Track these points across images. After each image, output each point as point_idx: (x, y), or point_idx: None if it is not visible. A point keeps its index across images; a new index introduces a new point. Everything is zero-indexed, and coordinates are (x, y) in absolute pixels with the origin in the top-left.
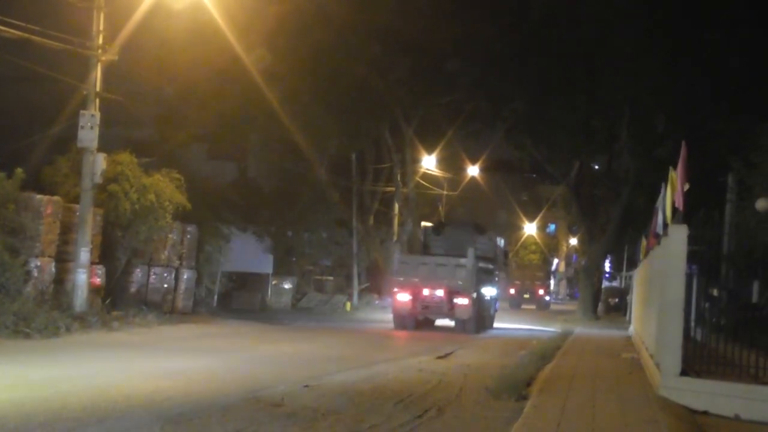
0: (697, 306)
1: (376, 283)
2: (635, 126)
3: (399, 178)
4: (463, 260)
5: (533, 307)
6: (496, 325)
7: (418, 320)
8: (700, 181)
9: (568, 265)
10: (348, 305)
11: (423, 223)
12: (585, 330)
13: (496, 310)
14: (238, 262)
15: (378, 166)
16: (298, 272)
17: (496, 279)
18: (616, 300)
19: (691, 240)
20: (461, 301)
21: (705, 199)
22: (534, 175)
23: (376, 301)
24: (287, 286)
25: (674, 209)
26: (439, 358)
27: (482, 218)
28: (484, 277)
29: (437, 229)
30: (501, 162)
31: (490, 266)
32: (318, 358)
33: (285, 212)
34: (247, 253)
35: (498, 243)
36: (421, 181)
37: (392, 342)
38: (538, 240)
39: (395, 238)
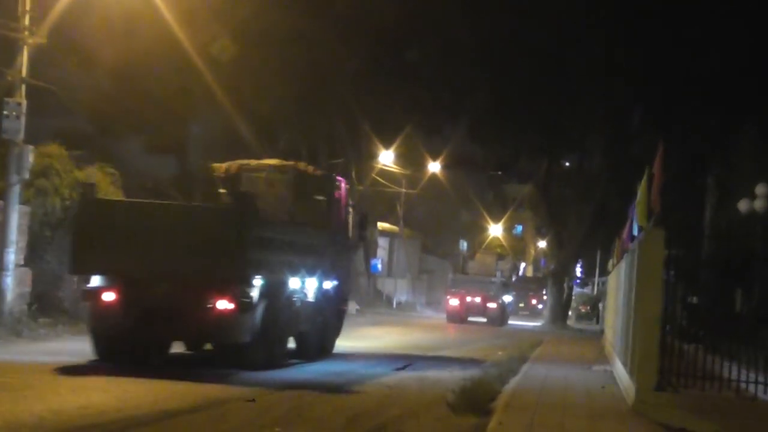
0: (675, 315)
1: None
2: (609, 122)
3: (354, 175)
4: (493, 278)
5: (527, 313)
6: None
7: (462, 317)
8: (678, 182)
9: (536, 269)
10: None
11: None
12: (554, 340)
13: (510, 311)
14: None
15: (332, 161)
16: None
17: (512, 290)
18: (588, 308)
19: (669, 244)
20: (492, 305)
21: (683, 201)
22: (499, 173)
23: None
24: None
25: (650, 211)
26: (397, 369)
27: (443, 218)
28: (505, 289)
29: (472, 255)
30: (464, 159)
31: (507, 281)
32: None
33: None
34: None
35: (511, 265)
36: (378, 179)
37: (347, 353)
38: (504, 242)
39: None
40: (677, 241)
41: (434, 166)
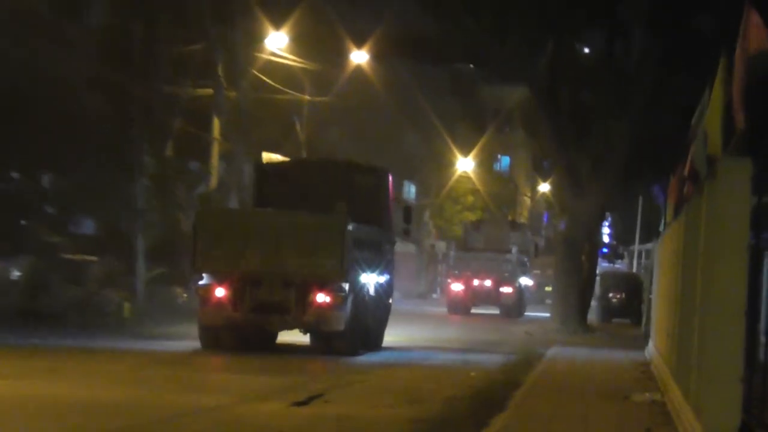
0: None
1: (177, 266)
2: None
3: (221, 72)
4: (508, 255)
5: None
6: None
7: (467, 306)
8: None
9: (535, 232)
10: (127, 308)
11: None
12: (566, 351)
13: (529, 297)
14: None
15: (182, 48)
16: (33, 248)
17: (531, 271)
18: (622, 295)
19: (759, 185)
20: (506, 290)
21: None
22: (471, 67)
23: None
24: (13, 273)
25: (728, 128)
26: (298, 404)
27: (376, 146)
28: (522, 269)
29: (476, 225)
30: (412, 43)
31: (525, 259)
32: (79, 407)
33: (7, 137)
34: None
35: (529, 237)
36: (263, 78)
37: (214, 375)
38: (479, 185)
39: (213, 181)
40: None
41: (359, 57)
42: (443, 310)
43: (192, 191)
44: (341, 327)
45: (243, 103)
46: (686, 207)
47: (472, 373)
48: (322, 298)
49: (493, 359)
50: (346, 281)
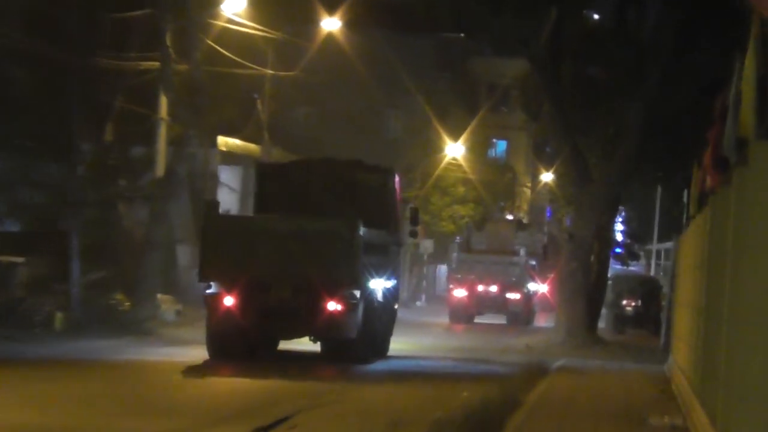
0: None
1: (119, 269)
2: None
3: (169, 42)
4: (515, 258)
5: None
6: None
7: (471, 314)
8: None
9: (538, 230)
10: (59, 317)
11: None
12: (573, 365)
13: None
14: None
15: (124, 15)
16: None
17: (539, 275)
18: (638, 302)
19: None
20: (514, 296)
21: None
22: (461, 36)
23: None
24: None
25: (763, 107)
26: (260, 430)
27: (352, 128)
28: (530, 273)
29: (479, 224)
30: (392, 9)
31: (533, 262)
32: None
33: None
34: None
35: (538, 237)
36: (220, 50)
37: (177, 393)
38: (471, 174)
39: (161, 168)
40: None
41: (331, 24)
42: (439, 319)
43: (136, 181)
44: (353, 335)
45: (195, 78)
46: (712, 198)
47: (465, 393)
48: (333, 305)
49: (490, 374)
50: (358, 288)
